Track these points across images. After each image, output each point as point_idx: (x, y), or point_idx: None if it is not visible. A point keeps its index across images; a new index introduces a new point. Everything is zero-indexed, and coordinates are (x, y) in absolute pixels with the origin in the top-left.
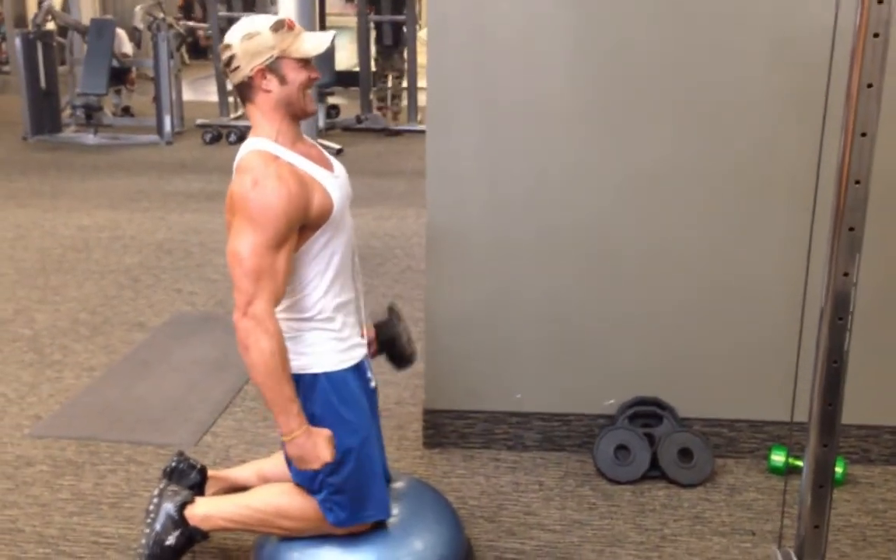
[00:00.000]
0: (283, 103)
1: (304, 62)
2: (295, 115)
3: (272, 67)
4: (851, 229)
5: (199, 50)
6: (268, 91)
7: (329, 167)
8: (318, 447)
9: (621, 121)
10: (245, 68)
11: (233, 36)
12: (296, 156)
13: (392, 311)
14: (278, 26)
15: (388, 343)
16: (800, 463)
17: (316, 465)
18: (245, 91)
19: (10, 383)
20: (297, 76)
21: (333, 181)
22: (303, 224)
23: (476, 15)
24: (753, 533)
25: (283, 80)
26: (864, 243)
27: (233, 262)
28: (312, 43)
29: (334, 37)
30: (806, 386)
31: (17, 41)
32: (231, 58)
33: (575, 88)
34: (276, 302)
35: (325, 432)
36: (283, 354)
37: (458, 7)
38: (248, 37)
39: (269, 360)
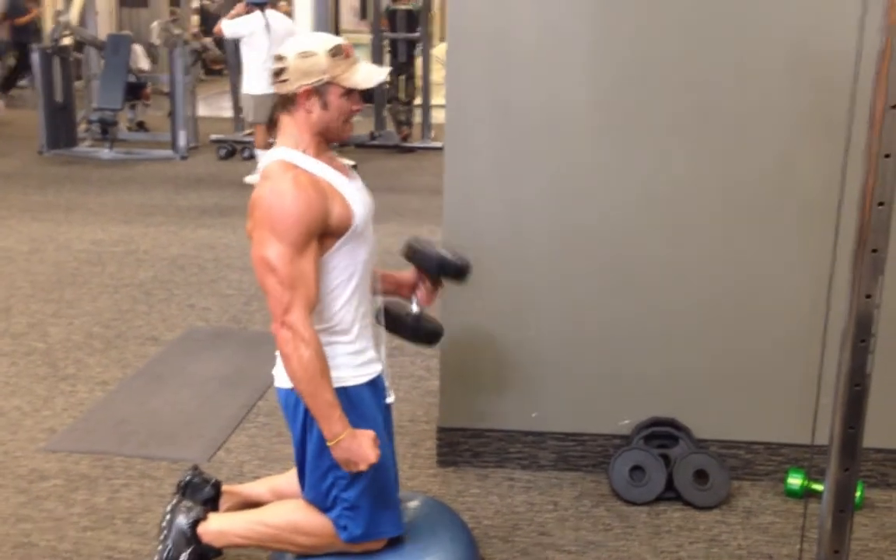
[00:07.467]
0: (318, 127)
1: (350, 92)
2: (328, 139)
3: (318, 91)
4: (874, 251)
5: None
6: (308, 112)
7: (349, 178)
8: (364, 448)
9: (640, 137)
10: (293, 84)
11: (289, 49)
12: (319, 164)
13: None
14: (335, 52)
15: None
16: (817, 486)
17: (363, 467)
18: (286, 103)
19: (24, 396)
20: (339, 104)
21: (355, 192)
22: (323, 232)
23: (495, 30)
24: (770, 557)
25: (325, 106)
26: (887, 265)
27: (264, 271)
28: (364, 75)
29: (389, 72)
30: (824, 408)
31: (35, 56)
32: (282, 70)
33: (595, 103)
34: (311, 308)
35: (369, 433)
36: (321, 360)
37: (477, 22)
38: (303, 55)
39: (309, 368)
